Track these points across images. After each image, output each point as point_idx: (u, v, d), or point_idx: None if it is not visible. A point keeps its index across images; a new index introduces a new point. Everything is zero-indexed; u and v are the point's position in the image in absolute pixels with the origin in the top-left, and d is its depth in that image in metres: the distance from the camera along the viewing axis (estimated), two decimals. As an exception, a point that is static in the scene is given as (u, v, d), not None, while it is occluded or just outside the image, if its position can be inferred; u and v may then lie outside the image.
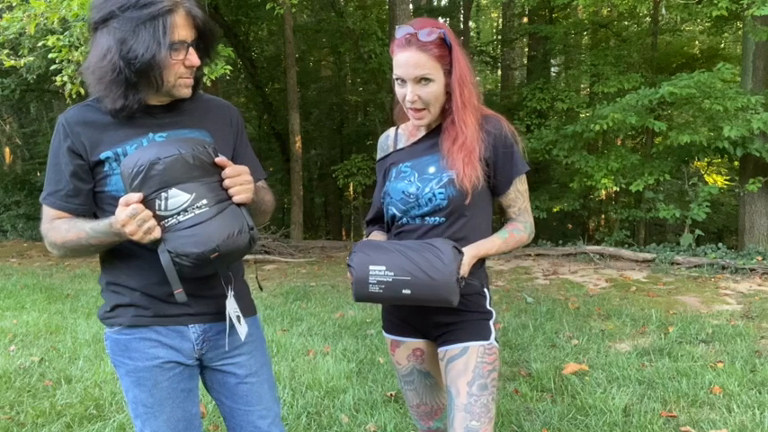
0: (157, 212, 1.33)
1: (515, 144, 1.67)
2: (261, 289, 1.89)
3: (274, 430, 1.66)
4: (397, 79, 1.61)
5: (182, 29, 1.39)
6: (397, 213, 1.70)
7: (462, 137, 1.61)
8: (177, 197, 1.33)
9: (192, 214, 1.34)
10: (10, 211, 13.43)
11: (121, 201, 1.32)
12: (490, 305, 1.72)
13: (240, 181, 1.41)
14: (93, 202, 1.50)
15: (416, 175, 1.68)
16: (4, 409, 3.22)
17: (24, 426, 3.01)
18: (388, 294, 1.52)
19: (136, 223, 1.31)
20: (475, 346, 1.64)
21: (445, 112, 1.64)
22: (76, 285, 7.07)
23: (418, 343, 1.77)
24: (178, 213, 1.34)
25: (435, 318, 1.67)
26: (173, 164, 1.32)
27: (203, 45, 1.48)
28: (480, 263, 1.69)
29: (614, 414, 2.94)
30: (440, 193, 1.63)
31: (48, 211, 1.50)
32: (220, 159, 1.39)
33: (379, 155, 1.85)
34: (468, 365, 1.63)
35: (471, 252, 1.60)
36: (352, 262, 1.56)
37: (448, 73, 1.59)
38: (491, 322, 1.70)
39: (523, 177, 1.70)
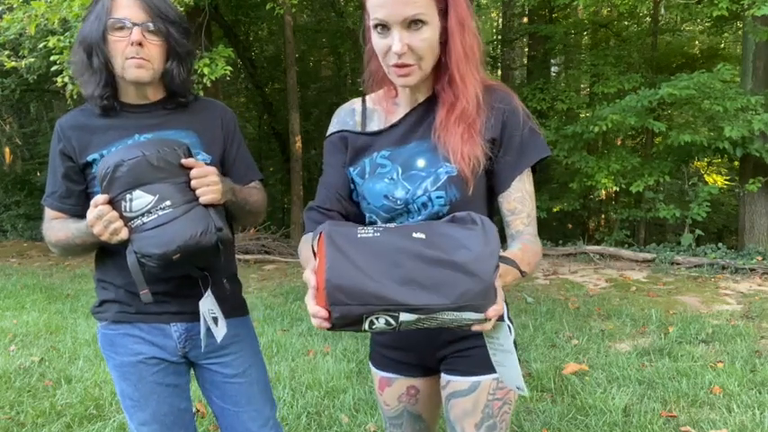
0: (124, 214, 1.35)
1: (529, 123, 1.26)
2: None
3: None
4: (376, 26, 1.15)
5: (124, 8, 1.41)
6: (380, 222, 1.30)
7: (462, 102, 1.21)
8: (141, 198, 1.34)
9: (156, 215, 1.34)
10: (10, 211, 13.41)
11: (91, 202, 1.36)
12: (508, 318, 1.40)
13: (207, 182, 1.39)
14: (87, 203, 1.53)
15: (400, 170, 1.26)
16: (4, 409, 3.22)
17: (24, 426, 3.02)
18: (385, 241, 0.95)
19: (102, 224, 1.34)
20: (487, 380, 1.32)
21: (438, 70, 1.22)
22: (76, 285, 7.06)
23: (414, 381, 1.43)
24: (143, 215, 1.35)
25: (442, 335, 1.33)
26: (136, 166, 1.34)
27: (164, 29, 1.44)
28: None
29: (614, 414, 2.94)
30: (438, 197, 1.22)
31: (47, 212, 1.57)
32: (186, 161, 1.39)
33: (333, 128, 1.37)
34: (477, 405, 1.33)
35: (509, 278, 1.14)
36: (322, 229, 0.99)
37: (443, 14, 1.16)
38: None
39: (530, 175, 1.28)
